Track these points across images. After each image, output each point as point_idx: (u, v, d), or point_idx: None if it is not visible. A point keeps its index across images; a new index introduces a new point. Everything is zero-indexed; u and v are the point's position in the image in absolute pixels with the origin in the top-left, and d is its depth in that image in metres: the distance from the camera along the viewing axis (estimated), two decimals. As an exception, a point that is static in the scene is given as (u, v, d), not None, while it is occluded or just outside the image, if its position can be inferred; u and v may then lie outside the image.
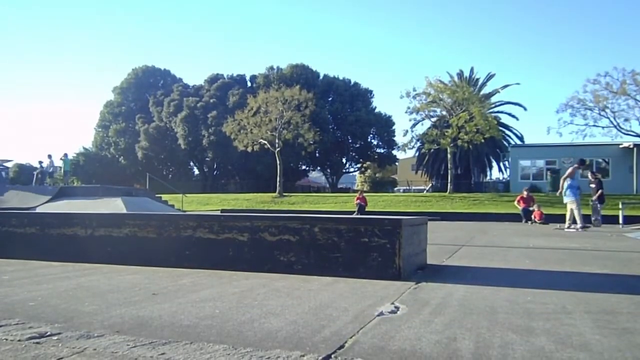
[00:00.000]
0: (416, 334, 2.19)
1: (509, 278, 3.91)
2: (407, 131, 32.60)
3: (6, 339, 2.07)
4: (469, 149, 32.71)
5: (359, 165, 52.37)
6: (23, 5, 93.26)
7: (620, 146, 29.58)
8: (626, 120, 28.91)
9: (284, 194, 31.35)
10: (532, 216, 15.43)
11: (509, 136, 41.72)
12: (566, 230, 11.32)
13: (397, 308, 2.71)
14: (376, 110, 49.33)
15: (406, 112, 31.32)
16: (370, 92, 50.27)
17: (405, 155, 39.88)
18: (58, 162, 25.05)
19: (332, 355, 1.88)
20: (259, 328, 2.26)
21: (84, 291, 3.19)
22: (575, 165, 11.89)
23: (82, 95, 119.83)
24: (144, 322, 2.37)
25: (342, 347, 1.98)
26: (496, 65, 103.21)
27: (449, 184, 30.20)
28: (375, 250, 3.73)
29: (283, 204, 27.34)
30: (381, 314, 2.57)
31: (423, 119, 33.34)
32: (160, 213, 6.99)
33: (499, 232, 10.76)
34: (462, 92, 29.25)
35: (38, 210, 14.28)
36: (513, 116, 42.26)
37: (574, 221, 11.62)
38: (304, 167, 51.52)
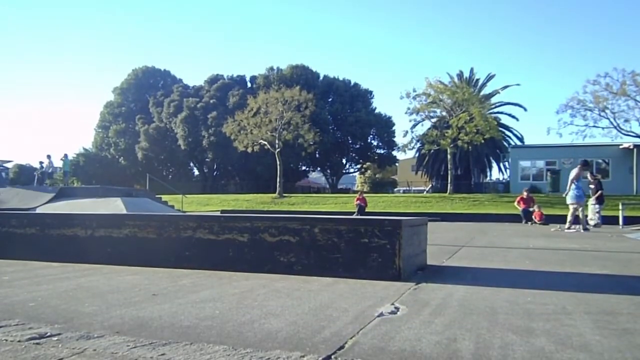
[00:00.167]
0: (416, 334, 2.19)
1: (509, 279, 3.91)
2: (407, 132, 32.65)
3: (6, 340, 2.07)
4: (468, 149, 32.72)
5: (359, 166, 52.38)
6: (23, 5, 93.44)
7: (620, 147, 29.58)
8: (626, 121, 28.92)
9: (284, 194, 31.35)
10: (532, 217, 15.42)
11: (509, 137, 41.78)
12: (566, 230, 11.32)
13: (397, 309, 2.71)
14: (376, 111, 49.39)
15: (406, 113, 31.37)
16: (370, 92, 50.34)
17: (405, 156, 39.87)
18: (58, 163, 25.07)
19: (332, 356, 1.88)
20: (259, 329, 2.26)
21: (84, 292, 3.19)
22: (580, 167, 11.85)
23: (82, 96, 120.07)
24: (144, 323, 2.37)
25: (342, 347, 1.98)
26: (496, 65, 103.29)
27: (449, 185, 30.20)
28: (376, 250, 3.73)
29: (283, 204, 27.34)
30: (381, 314, 2.57)
31: (423, 120, 33.35)
32: (160, 214, 6.99)
33: (499, 232, 10.76)
34: (462, 93, 29.27)
35: (38, 210, 14.28)
36: (513, 117, 42.37)
37: (575, 222, 11.62)
38: (304, 167, 51.54)
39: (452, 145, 29.07)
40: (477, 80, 41.57)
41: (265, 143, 31.65)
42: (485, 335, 2.17)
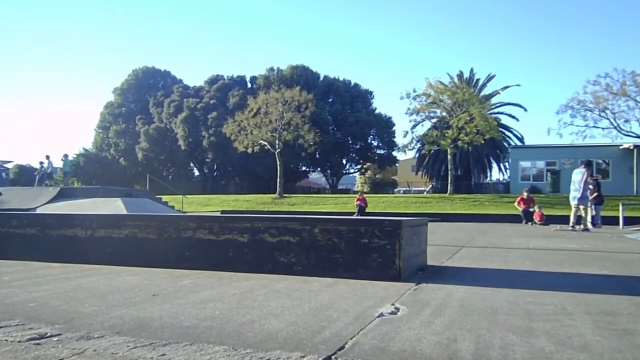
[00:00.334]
0: (416, 335, 2.19)
1: (509, 279, 3.91)
2: (407, 132, 32.61)
3: (6, 340, 2.07)
4: (469, 150, 32.71)
5: (359, 167, 52.38)
6: (23, 5, 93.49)
7: (621, 147, 29.58)
8: (626, 121, 28.90)
9: (284, 195, 31.34)
10: (533, 217, 15.41)
11: (509, 137, 41.77)
12: (569, 229, 11.34)
13: (398, 309, 2.71)
14: (376, 112, 49.40)
15: (406, 113, 31.33)
16: (371, 93, 50.35)
17: (405, 156, 39.87)
18: (58, 163, 25.08)
19: (333, 357, 1.88)
20: (259, 329, 2.26)
21: (84, 292, 3.19)
22: (586, 168, 11.80)
23: (82, 96, 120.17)
24: (144, 323, 2.37)
25: (342, 348, 1.98)
26: (496, 65, 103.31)
27: (449, 185, 30.20)
28: (376, 251, 3.73)
29: (283, 205, 27.33)
30: (381, 315, 2.57)
31: (423, 120, 33.30)
32: (160, 214, 6.99)
33: (499, 233, 10.76)
34: (462, 93, 29.26)
35: (38, 211, 14.28)
36: (513, 117, 42.37)
37: (579, 221, 11.61)
38: (304, 168, 51.55)
39: (452, 146, 29.06)
40: (477, 80, 41.59)
41: (266, 143, 31.65)
42: (486, 336, 2.17)
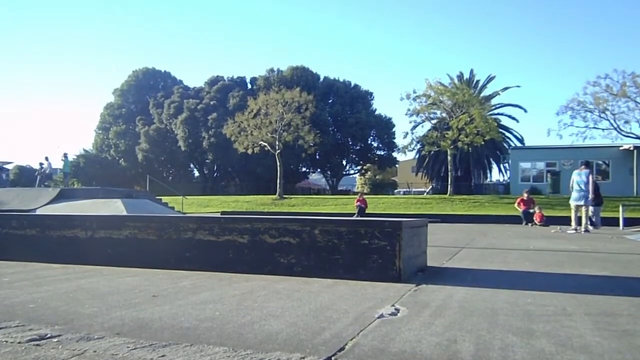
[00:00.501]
0: (416, 336, 2.19)
1: (509, 280, 3.91)
2: (407, 133, 32.57)
3: (6, 341, 2.07)
4: (469, 151, 32.71)
5: (359, 168, 52.41)
6: (23, 5, 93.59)
7: (621, 148, 29.58)
8: (626, 122, 28.92)
9: (284, 196, 31.34)
10: (533, 218, 15.41)
11: (509, 138, 41.80)
12: (568, 232, 11.34)
13: (398, 310, 2.71)
14: (376, 112, 49.44)
15: (406, 114, 31.33)
16: (371, 94, 50.39)
17: (405, 157, 39.91)
18: (58, 163, 25.10)
19: (333, 358, 1.88)
20: (259, 330, 2.26)
21: (84, 293, 3.19)
22: (588, 169, 11.76)
23: (83, 97, 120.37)
24: (144, 324, 2.37)
25: (342, 349, 1.98)
26: (496, 66, 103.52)
27: (449, 186, 30.19)
28: (376, 252, 3.73)
29: (283, 206, 27.33)
30: (381, 316, 2.57)
31: (423, 121, 33.29)
32: (161, 215, 6.99)
33: (499, 234, 10.76)
34: (462, 94, 29.27)
35: (38, 212, 14.28)
36: (513, 118, 42.38)
37: (589, 222, 11.59)
38: (304, 169, 51.55)
39: (452, 147, 29.06)
40: (477, 81, 41.61)
41: (266, 144, 31.65)
42: (486, 337, 2.17)
